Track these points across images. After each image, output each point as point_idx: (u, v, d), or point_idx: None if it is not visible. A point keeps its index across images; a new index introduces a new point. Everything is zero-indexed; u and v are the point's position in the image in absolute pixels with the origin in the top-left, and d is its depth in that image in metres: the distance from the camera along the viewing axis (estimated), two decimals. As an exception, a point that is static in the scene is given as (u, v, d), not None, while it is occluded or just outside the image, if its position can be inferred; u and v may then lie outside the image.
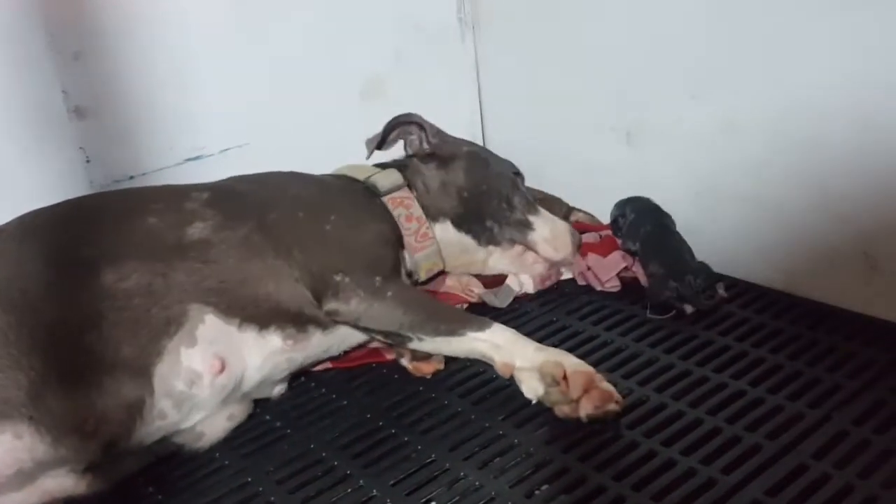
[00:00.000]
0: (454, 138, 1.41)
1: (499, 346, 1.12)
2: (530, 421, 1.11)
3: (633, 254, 1.40)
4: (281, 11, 1.50)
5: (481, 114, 1.81)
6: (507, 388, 1.16)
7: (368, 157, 1.34)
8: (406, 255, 1.29)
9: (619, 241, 1.44)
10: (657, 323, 1.31)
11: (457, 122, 1.76)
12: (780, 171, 1.32)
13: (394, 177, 1.34)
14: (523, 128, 1.72)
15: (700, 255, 1.37)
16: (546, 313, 1.37)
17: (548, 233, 1.38)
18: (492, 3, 1.70)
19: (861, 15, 1.16)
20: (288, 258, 1.14)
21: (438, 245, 1.34)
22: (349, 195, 1.29)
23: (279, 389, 1.21)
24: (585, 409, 1.05)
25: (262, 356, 1.12)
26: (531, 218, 1.38)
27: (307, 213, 1.19)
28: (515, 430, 1.10)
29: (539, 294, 1.43)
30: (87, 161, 1.34)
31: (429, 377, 1.23)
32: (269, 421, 1.18)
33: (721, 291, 1.33)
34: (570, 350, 1.23)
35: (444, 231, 1.35)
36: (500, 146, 1.58)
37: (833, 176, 1.26)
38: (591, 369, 1.08)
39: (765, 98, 1.30)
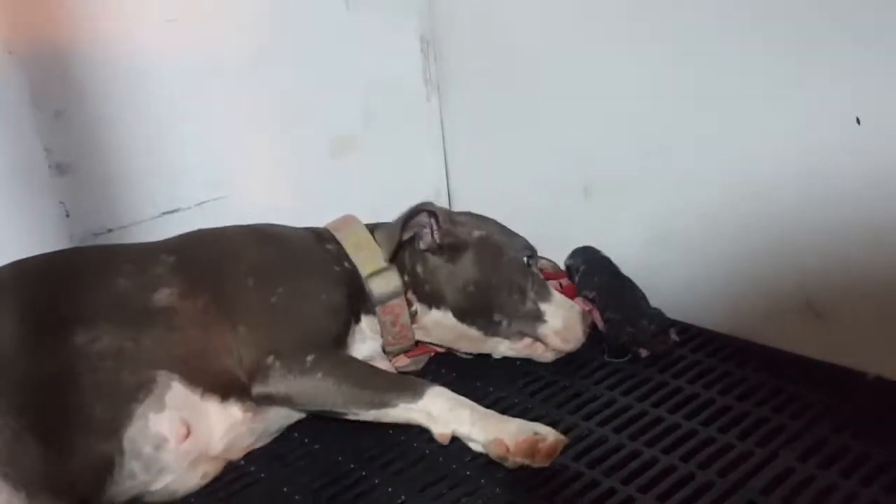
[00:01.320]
0: (466, 219, 1.32)
1: (433, 416, 1.11)
2: (496, 463, 1.11)
3: (590, 300, 1.43)
4: (257, 71, 1.53)
5: (446, 169, 1.83)
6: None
7: (390, 259, 1.26)
8: (362, 326, 1.26)
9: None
10: (615, 366, 1.33)
11: (424, 178, 1.81)
12: (729, 222, 1.35)
13: (393, 283, 1.26)
14: (486, 182, 1.75)
15: (653, 301, 1.40)
16: (509, 359, 1.37)
17: (559, 324, 1.29)
18: (455, 66, 1.72)
19: (811, 82, 1.20)
20: (234, 334, 1.12)
21: (414, 334, 1.30)
22: (308, 259, 1.24)
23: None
24: (539, 465, 1.08)
25: (225, 426, 1.12)
26: (543, 307, 1.29)
27: (257, 282, 1.17)
28: (481, 470, 1.11)
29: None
30: (67, 215, 1.35)
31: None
32: (242, 466, 1.18)
33: (674, 336, 1.36)
34: (533, 394, 1.28)
35: (443, 318, 1.29)
36: (464, 200, 1.62)
37: (779, 227, 1.28)
38: (530, 435, 1.07)
39: (716, 153, 1.34)
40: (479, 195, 1.73)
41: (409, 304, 1.29)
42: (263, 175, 1.56)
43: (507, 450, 1.06)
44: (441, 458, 1.14)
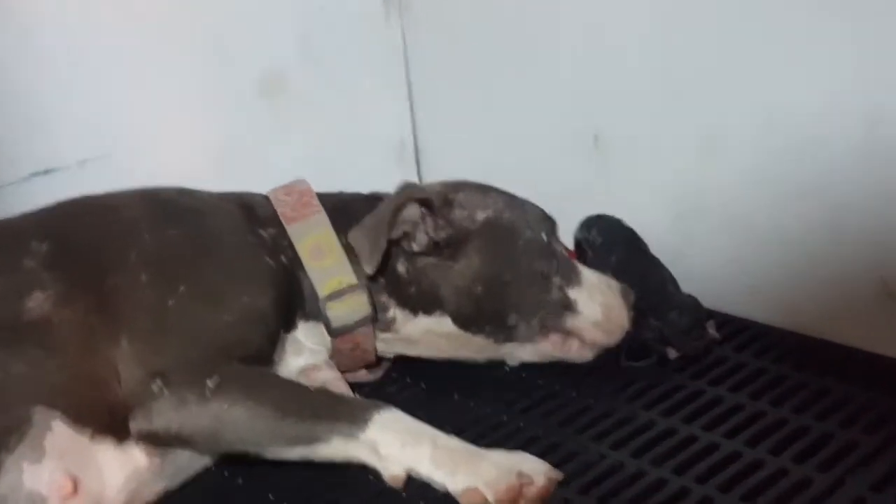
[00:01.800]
0: (464, 197, 1.29)
1: (380, 454, 1.09)
2: None
3: None
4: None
5: (412, 117, 1.83)
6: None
7: (371, 271, 1.23)
8: (298, 336, 1.25)
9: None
10: (634, 371, 1.33)
11: (382, 127, 1.82)
12: (773, 186, 1.36)
13: (361, 310, 1.25)
14: (464, 134, 1.74)
15: (685, 287, 1.40)
16: (496, 364, 1.37)
17: (599, 314, 1.29)
18: (424, -23, 1.75)
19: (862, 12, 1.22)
20: (117, 350, 1.11)
21: (376, 352, 1.31)
22: (228, 245, 1.22)
23: None
24: None
25: (124, 474, 1.11)
26: (573, 294, 1.28)
27: (152, 277, 1.15)
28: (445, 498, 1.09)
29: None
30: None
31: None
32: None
33: (712, 332, 1.36)
34: (526, 410, 1.28)
35: (437, 326, 1.28)
36: (435, 154, 1.61)
37: (837, 187, 1.29)
38: (510, 478, 1.06)
39: (753, 100, 1.35)
40: (454, 148, 1.73)
41: (385, 308, 1.29)
42: (166, 125, 1.55)
43: (485, 500, 1.06)
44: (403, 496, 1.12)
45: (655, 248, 1.45)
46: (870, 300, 1.31)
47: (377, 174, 1.53)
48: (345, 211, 1.30)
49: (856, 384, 1.25)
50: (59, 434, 1.06)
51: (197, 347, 1.12)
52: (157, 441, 1.11)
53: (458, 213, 1.28)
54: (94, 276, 1.14)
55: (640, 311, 1.34)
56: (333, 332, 1.26)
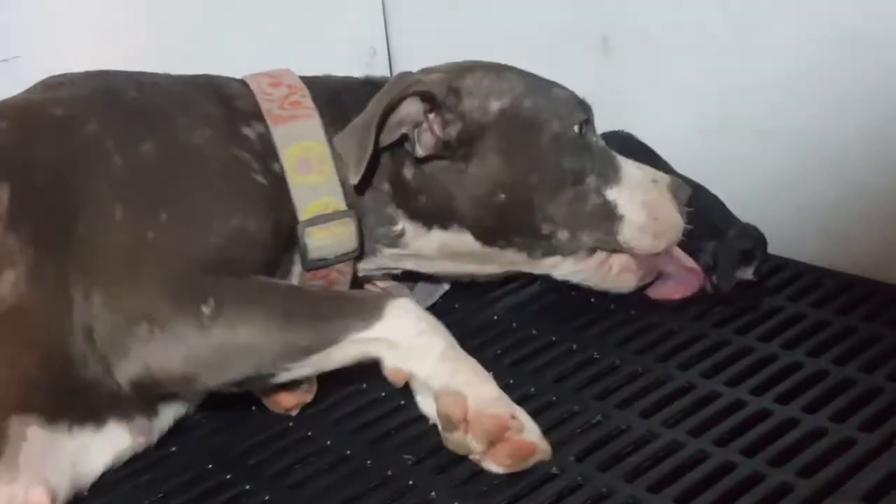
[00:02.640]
0: (473, 82, 1.25)
1: (395, 343, 1.12)
2: (455, 465, 1.10)
3: None
4: None
5: (384, 20, 1.83)
6: (419, 419, 1.17)
7: (355, 181, 1.21)
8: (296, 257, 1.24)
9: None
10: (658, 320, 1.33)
11: (350, 34, 1.83)
12: (824, 89, 1.36)
13: (347, 242, 1.23)
14: (444, 40, 1.73)
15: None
16: (483, 310, 1.38)
17: (643, 215, 1.27)
18: None
19: None
20: (92, 309, 1.10)
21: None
22: (210, 156, 1.19)
23: None
24: (492, 466, 1.08)
25: (109, 456, 1.14)
26: (613, 195, 1.26)
27: (127, 210, 1.13)
28: (431, 478, 1.10)
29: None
30: None
31: (293, 413, 1.23)
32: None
33: (748, 275, 1.37)
34: (517, 363, 1.27)
35: (457, 242, 1.27)
36: (410, 67, 1.55)
37: None
38: (504, 410, 1.08)
39: None
40: (433, 57, 1.68)
41: (392, 221, 1.27)
42: (84, 21, 1.55)
43: (464, 416, 1.07)
44: (369, 462, 1.14)
45: (678, 170, 1.44)
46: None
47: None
48: (339, 107, 1.27)
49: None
50: (35, 442, 1.06)
51: (183, 274, 1.11)
52: (159, 387, 1.11)
53: (467, 104, 1.24)
54: (62, 227, 1.11)
55: (698, 226, 1.32)
56: (308, 265, 1.23)
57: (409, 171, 1.25)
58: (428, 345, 1.12)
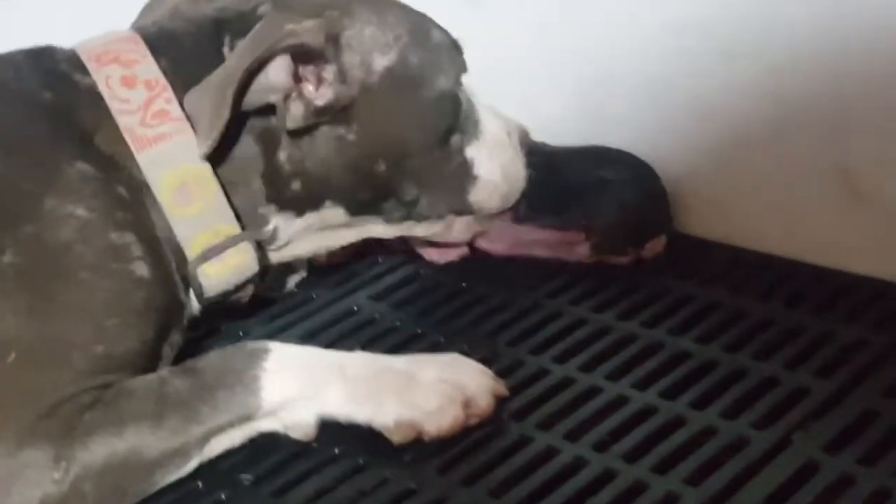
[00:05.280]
0: (357, 27, 1.15)
1: (282, 415, 1.07)
2: (438, 454, 1.06)
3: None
4: None
5: None
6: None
7: (205, 150, 1.10)
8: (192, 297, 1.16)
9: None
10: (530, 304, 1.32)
11: None
12: (699, 43, 1.36)
13: (244, 266, 1.15)
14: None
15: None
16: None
17: (499, 175, 1.24)
18: None
19: None
20: None
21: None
22: (79, 262, 1.07)
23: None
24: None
25: None
26: (472, 152, 1.22)
27: None
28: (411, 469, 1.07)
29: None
30: None
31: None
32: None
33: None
34: (446, 319, 1.29)
35: (325, 219, 1.20)
36: None
37: (782, 43, 1.30)
38: (458, 410, 1.07)
39: None
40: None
41: (264, 221, 1.18)
42: None
43: (420, 434, 1.06)
44: (337, 451, 1.09)
45: (552, 135, 1.42)
46: (827, 201, 1.33)
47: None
48: (188, 67, 1.14)
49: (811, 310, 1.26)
50: None
51: (30, 424, 1.02)
52: None
53: (347, 59, 1.14)
54: None
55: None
56: (204, 302, 1.16)
57: (283, 153, 1.16)
58: (322, 397, 1.07)
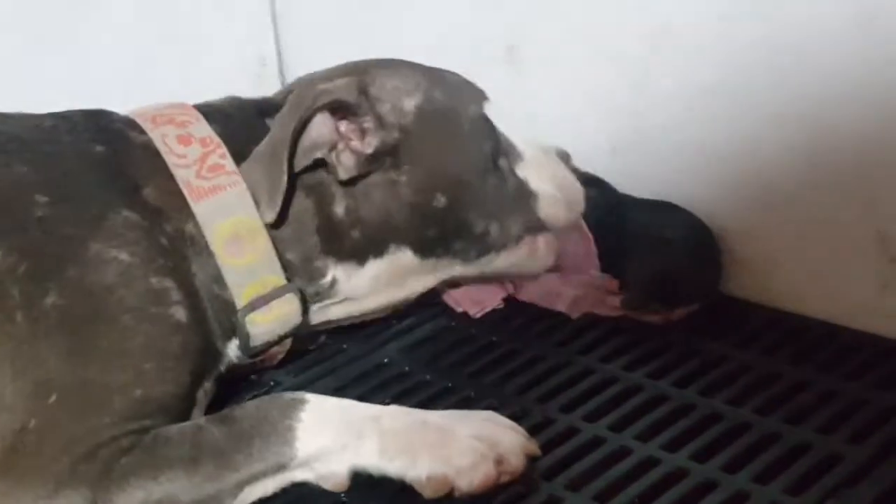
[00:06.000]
0: (379, 89, 1.19)
1: (317, 466, 1.07)
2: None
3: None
4: None
5: (275, 29, 1.83)
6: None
7: (272, 217, 1.14)
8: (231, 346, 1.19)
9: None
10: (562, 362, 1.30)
11: (234, 37, 1.81)
12: (735, 100, 1.35)
13: (289, 316, 1.18)
14: (341, 49, 1.57)
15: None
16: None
17: (552, 187, 1.27)
18: None
19: None
20: None
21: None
22: (120, 305, 1.09)
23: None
24: None
25: None
26: (523, 172, 1.26)
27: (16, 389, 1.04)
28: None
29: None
30: None
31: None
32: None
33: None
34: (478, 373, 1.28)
35: (391, 266, 1.21)
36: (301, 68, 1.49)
37: (822, 104, 1.29)
38: (490, 468, 1.06)
39: None
40: (327, 63, 1.64)
41: (322, 274, 1.20)
42: None
43: (451, 489, 1.05)
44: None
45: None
46: (866, 266, 1.31)
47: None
48: (237, 132, 1.19)
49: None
50: None
51: (69, 468, 1.03)
52: None
53: (380, 108, 1.19)
54: None
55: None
56: (249, 352, 1.18)
57: (339, 208, 1.19)
58: (358, 450, 1.08)
